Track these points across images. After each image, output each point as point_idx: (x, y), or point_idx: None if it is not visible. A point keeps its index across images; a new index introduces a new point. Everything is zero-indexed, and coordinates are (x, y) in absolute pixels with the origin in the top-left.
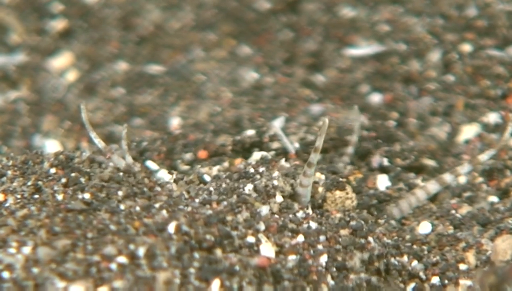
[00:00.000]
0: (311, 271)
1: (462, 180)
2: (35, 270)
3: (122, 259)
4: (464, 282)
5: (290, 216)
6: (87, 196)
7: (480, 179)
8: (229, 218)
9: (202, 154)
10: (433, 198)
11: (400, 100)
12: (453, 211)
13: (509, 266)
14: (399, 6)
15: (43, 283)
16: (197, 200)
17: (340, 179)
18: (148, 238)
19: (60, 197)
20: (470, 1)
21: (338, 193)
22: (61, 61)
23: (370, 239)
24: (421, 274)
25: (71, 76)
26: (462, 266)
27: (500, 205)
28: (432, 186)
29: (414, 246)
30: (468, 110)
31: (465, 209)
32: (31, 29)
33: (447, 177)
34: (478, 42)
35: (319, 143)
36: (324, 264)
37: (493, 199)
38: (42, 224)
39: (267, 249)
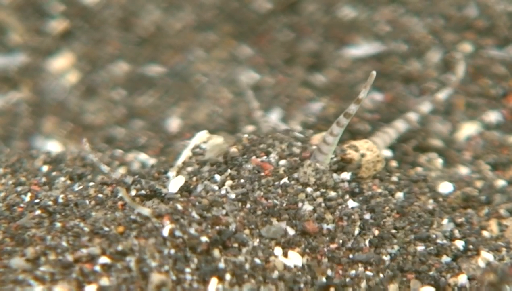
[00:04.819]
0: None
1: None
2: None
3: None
4: (486, 254)
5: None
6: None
7: (487, 166)
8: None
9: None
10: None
11: (400, 100)
12: (468, 180)
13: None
14: (399, 6)
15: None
16: (232, 195)
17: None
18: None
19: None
20: (470, 1)
21: (369, 156)
22: (62, 62)
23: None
24: (456, 233)
25: (72, 77)
26: (485, 233)
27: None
28: (401, 125)
29: (448, 207)
30: (469, 109)
31: (478, 183)
32: (32, 30)
33: (412, 115)
34: (479, 42)
35: (364, 95)
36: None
37: (503, 183)
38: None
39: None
